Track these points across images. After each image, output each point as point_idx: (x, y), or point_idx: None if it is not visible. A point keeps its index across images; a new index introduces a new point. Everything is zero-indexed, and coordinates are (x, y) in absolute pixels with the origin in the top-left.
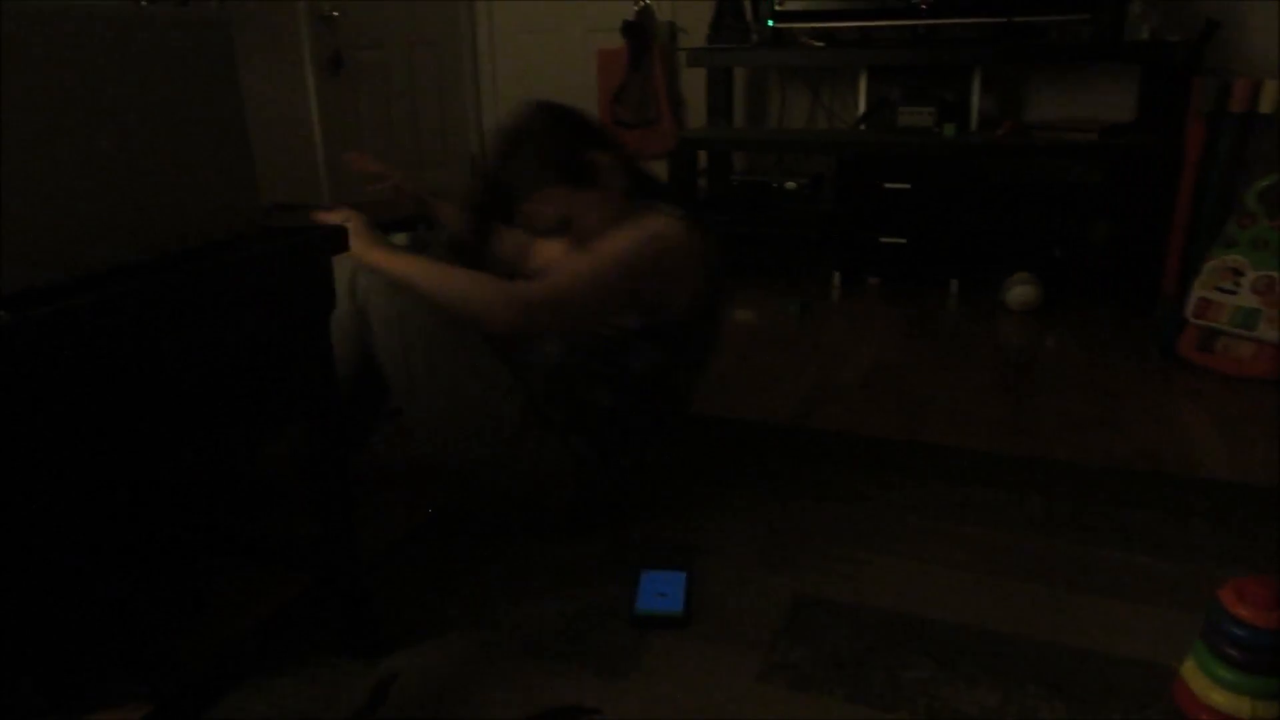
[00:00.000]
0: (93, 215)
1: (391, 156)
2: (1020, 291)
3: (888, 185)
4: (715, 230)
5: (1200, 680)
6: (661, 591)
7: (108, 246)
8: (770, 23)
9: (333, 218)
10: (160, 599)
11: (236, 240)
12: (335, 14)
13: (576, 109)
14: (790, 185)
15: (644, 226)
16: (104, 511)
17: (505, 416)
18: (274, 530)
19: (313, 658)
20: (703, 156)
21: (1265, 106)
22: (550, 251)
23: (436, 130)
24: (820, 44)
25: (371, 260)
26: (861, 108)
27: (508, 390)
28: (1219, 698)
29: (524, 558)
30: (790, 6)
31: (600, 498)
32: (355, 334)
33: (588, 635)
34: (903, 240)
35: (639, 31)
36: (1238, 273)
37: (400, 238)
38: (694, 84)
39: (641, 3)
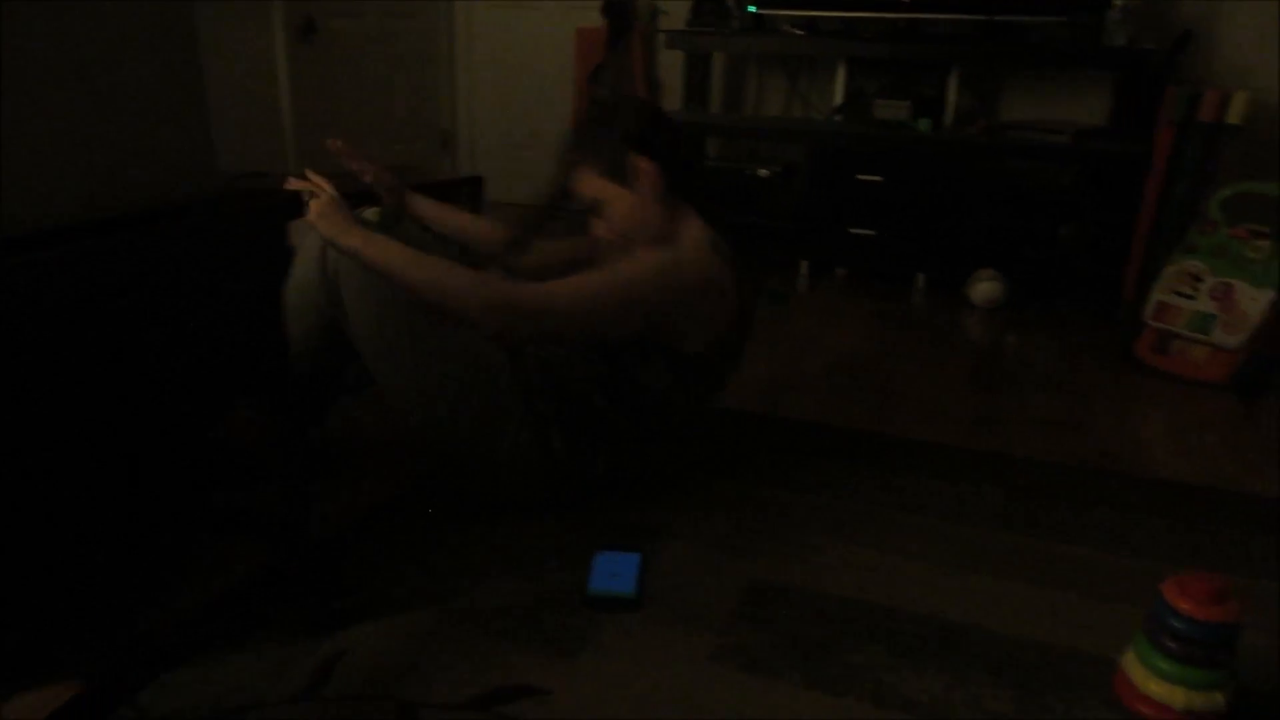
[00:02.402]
0: (36, 173)
1: (362, 128)
2: (985, 288)
3: (860, 177)
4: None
5: (1139, 671)
6: (615, 572)
7: (52, 206)
8: (751, 8)
9: (303, 187)
10: (108, 572)
11: (190, 204)
12: None
13: (668, 118)
14: (763, 173)
15: (667, 255)
16: (46, 480)
17: (488, 396)
18: (227, 502)
19: (262, 633)
20: None
21: (1234, 117)
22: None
23: (409, 103)
24: (800, 32)
25: (346, 245)
26: (838, 98)
27: (494, 370)
28: (1156, 688)
29: (480, 537)
30: None
31: (569, 491)
32: (322, 304)
33: (541, 615)
34: (872, 232)
35: (619, 11)
36: (1197, 278)
37: (371, 213)
38: (672, 67)
39: None
